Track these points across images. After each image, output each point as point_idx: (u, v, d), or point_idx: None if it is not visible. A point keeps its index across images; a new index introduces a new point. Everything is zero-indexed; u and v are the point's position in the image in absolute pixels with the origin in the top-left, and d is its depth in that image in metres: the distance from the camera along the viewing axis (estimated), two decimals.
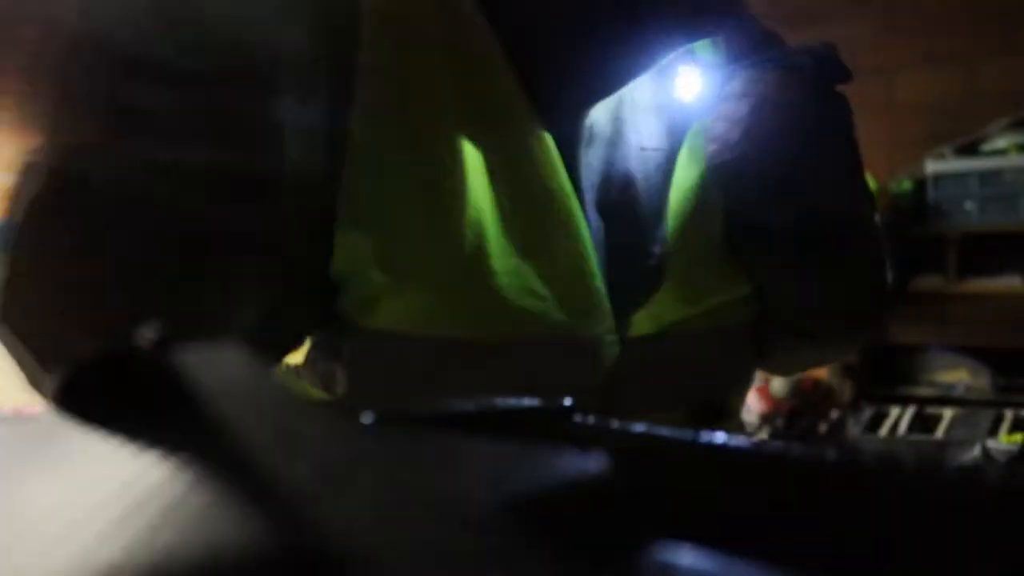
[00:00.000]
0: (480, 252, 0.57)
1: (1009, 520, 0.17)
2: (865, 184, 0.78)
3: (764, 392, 2.39)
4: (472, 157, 0.57)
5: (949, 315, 2.78)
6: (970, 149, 2.89)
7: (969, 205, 2.79)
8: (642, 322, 0.64)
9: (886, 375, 2.90)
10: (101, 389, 0.25)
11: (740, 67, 0.70)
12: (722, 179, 0.68)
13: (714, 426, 0.73)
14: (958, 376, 2.79)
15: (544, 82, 0.60)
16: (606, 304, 0.61)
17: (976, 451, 2.20)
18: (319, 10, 0.55)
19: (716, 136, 0.68)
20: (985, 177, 2.76)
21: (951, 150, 2.92)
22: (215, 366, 0.24)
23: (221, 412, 0.21)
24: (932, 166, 2.86)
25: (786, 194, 0.69)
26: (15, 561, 0.16)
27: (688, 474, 0.21)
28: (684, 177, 0.68)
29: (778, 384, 2.38)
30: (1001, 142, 2.79)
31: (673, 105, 0.69)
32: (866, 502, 0.19)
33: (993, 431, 2.26)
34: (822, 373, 2.86)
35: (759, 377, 2.47)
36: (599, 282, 0.61)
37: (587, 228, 0.60)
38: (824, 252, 0.73)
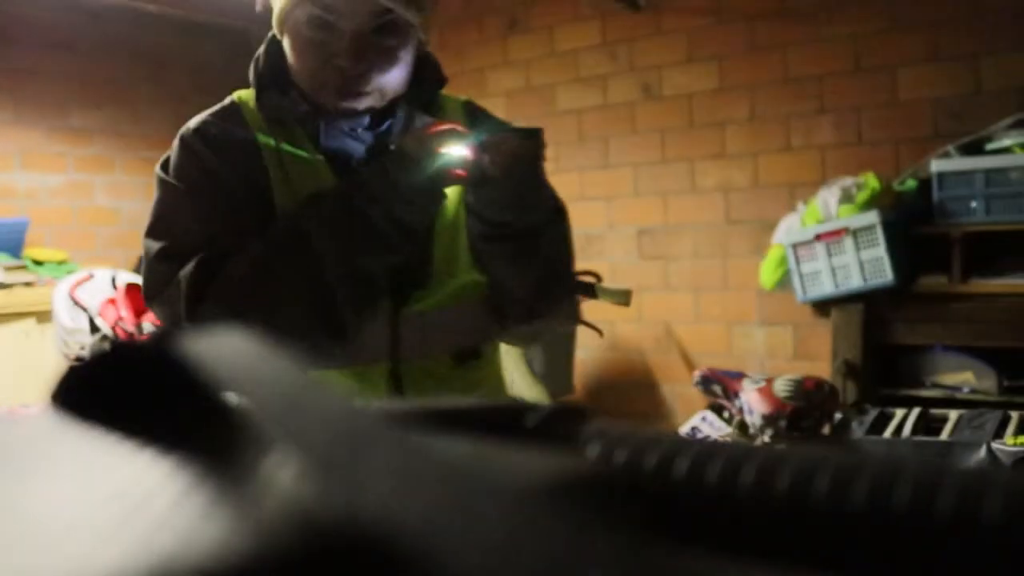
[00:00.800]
0: None
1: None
2: (548, 203, 1.22)
3: (767, 393, 2.36)
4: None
5: (954, 315, 2.76)
6: (975, 148, 2.87)
7: (974, 204, 2.77)
8: (418, 301, 1.19)
9: (890, 376, 2.87)
10: (101, 388, 0.25)
11: (478, 133, 1.08)
12: (469, 206, 1.17)
13: (468, 364, 1.23)
14: (963, 377, 2.76)
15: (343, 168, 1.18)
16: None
17: (982, 453, 2.18)
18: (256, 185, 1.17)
19: (467, 177, 1.09)
20: (991, 176, 2.74)
21: (956, 149, 2.90)
22: (225, 350, 0.24)
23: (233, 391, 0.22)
24: (937, 165, 2.84)
25: (503, 213, 1.14)
26: (15, 562, 0.16)
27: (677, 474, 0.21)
28: (450, 208, 1.21)
29: (781, 385, 2.35)
30: (1007, 140, 2.78)
31: (435, 155, 1.08)
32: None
33: (999, 433, 2.24)
34: (826, 374, 2.83)
35: (762, 378, 2.44)
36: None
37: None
38: (525, 250, 1.18)
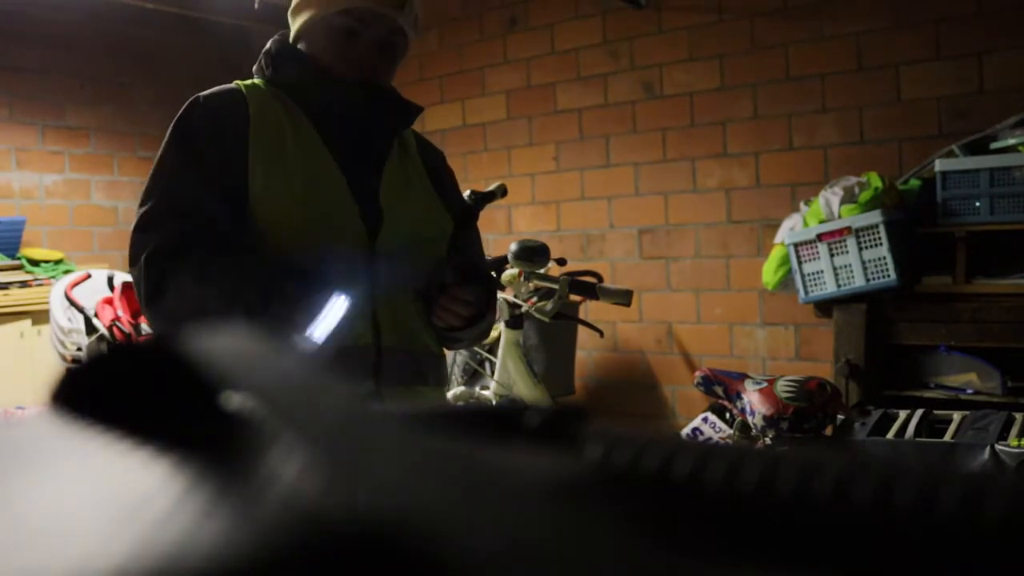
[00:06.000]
0: None
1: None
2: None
3: (769, 394, 2.34)
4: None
5: (958, 315, 2.74)
6: (980, 147, 2.86)
7: (978, 203, 2.75)
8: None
9: (893, 377, 2.85)
10: (100, 389, 0.26)
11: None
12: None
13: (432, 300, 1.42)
14: (967, 378, 2.74)
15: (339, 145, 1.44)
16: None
17: (986, 454, 2.16)
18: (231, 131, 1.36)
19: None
20: (995, 175, 2.72)
21: (960, 148, 2.88)
22: (229, 347, 0.24)
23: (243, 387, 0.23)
24: (942, 164, 2.82)
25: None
26: (15, 562, 0.16)
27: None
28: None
29: (783, 386, 2.33)
30: (1011, 139, 2.76)
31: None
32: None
33: (1003, 434, 2.23)
34: (828, 375, 2.81)
35: (764, 379, 2.42)
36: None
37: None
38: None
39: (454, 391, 2.58)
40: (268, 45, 1.48)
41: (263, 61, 1.47)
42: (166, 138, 1.36)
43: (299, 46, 1.47)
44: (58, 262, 3.88)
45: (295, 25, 1.47)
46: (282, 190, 1.34)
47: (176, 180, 1.33)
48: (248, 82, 1.45)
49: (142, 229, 1.33)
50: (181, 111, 1.37)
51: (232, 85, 1.43)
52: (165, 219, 1.31)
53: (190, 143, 1.34)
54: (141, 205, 1.35)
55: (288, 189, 1.34)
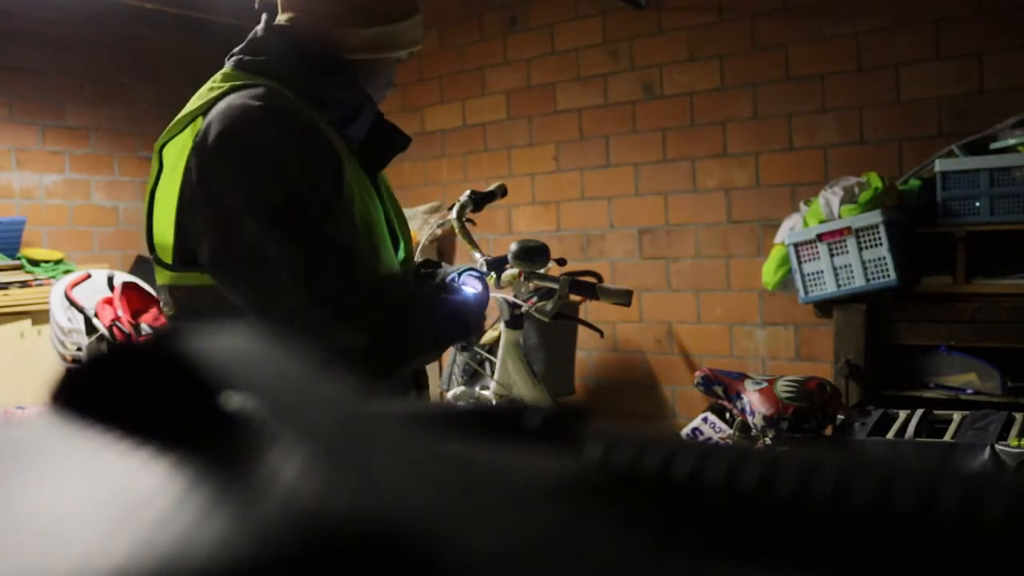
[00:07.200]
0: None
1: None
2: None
3: (769, 394, 2.34)
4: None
5: (958, 316, 2.73)
6: (979, 147, 2.86)
7: (978, 203, 2.75)
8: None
9: (893, 377, 2.85)
10: (100, 389, 0.26)
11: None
12: None
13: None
14: (967, 378, 2.74)
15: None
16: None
17: (986, 454, 2.16)
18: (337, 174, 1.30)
19: None
20: (995, 175, 2.72)
21: (960, 148, 2.88)
22: (230, 347, 0.25)
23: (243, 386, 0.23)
24: (942, 164, 2.82)
25: None
26: (15, 562, 0.16)
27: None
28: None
29: (783, 386, 2.33)
30: (1011, 140, 2.76)
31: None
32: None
33: (1003, 434, 2.22)
34: (828, 375, 2.81)
35: (764, 379, 2.42)
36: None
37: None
38: None
39: (454, 391, 2.58)
40: (300, 48, 1.34)
41: (294, 65, 1.33)
42: (281, 163, 1.24)
43: (330, 52, 1.35)
44: (58, 262, 3.88)
45: (336, 31, 1.34)
46: (353, 214, 1.30)
47: (326, 217, 1.24)
48: (281, 91, 1.30)
49: (327, 277, 1.22)
50: (278, 130, 1.24)
51: (287, 96, 1.29)
52: (340, 267, 1.24)
53: (314, 172, 1.25)
54: (302, 253, 1.20)
55: (353, 214, 1.30)
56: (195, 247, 1.24)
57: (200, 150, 1.22)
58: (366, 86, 1.39)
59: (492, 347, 2.97)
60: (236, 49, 1.37)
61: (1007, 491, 0.17)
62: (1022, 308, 2.64)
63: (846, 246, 2.85)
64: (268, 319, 1.22)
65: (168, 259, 1.29)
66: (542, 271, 2.29)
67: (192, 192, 1.23)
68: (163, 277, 1.31)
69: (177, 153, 1.27)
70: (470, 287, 1.48)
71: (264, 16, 1.40)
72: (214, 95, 1.28)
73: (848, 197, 2.87)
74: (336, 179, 1.27)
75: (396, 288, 1.35)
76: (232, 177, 1.22)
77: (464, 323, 1.40)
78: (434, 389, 2.96)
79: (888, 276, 2.78)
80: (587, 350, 3.92)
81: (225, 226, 1.21)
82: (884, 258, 2.78)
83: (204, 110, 1.27)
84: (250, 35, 1.38)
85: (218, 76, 1.34)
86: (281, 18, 1.39)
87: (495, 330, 2.74)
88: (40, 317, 3.48)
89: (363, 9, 1.35)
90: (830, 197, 2.92)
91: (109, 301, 3.04)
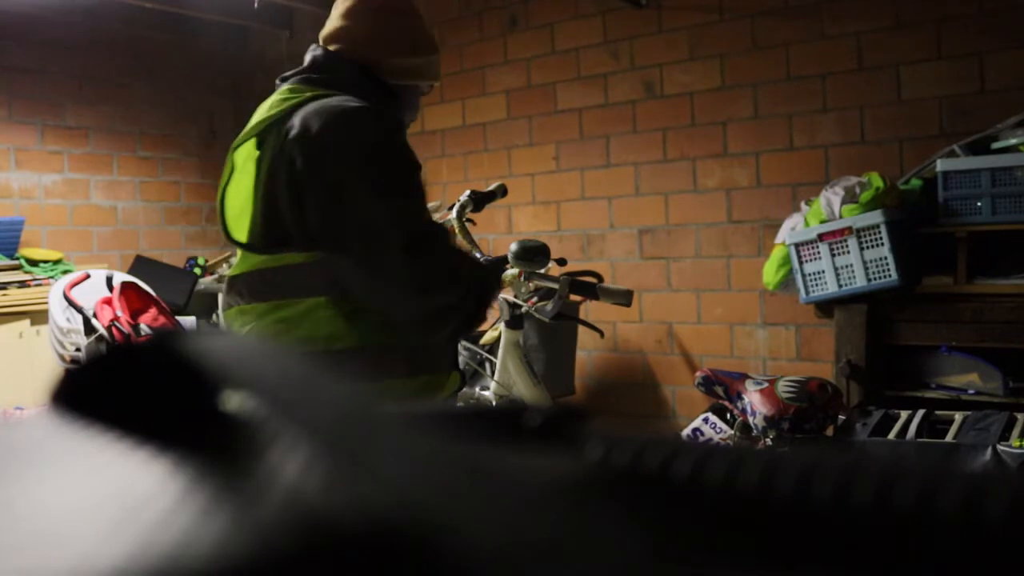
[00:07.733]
0: None
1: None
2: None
3: (770, 394, 2.34)
4: None
5: (959, 316, 2.73)
6: (981, 146, 2.85)
7: (980, 203, 2.75)
8: None
9: (895, 377, 2.85)
10: (100, 389, 0.26)
11: None
12: None
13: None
14: (968, 378, 2.74)
15: None
16: None
17: (987, 455, 2.16)
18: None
19: None
20: (996, 175, 2.72)
21: (962, 147, 2.87)
22: (230, 347, 0.25)
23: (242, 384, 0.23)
24: (943, 164, 2.82)
25: None
26: (16, 562, 0.16)
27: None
28: None
29: (784, 386, 2.33)
30: (1012, 139, 2.75)
31: None
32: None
33: (1005, 435, 2.22)
34: (829, 375, 2.81)
35: (764, 379, 2.42)
36: None
37: None
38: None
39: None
40: (360, 69, 1.58)
41: (362, 82, 1.56)
42: (385, 149, 1.47)
43: (380, 76, 1.60)
44: (57, 262, 3.88)
45: (382, 59, 1.59)
46: None
47: (421, 195, 1.51)
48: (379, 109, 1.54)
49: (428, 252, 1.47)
50: (379, 123, 1.48)
51: (393, 113, 1.57)
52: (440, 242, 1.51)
53: (410, 158, 1.50)
54: (408, 221, 1.46)
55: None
56: (291, 228, 1.42)
57: (301, 143, 1.41)
58: (403, 111, 1.64)
59: (492, 347, 2.97)
60: (296, 69, 1.59)
61: (1008, 491, 0.17)
62: (1023, 308, 2.64)
63: (847, 246, 2.84)
64: (375, 281, 1.42)
65: (258, 243, 1.46)
66: (542, 271, 2.29)
67: (293, 178, 1.41)
68: (247, 263, 1.49)
69: (245, 156, 1.48)
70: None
71: (314, 45, 1.62)
72: (289, 104, 1.46)
73: (849, 197, 2.87)
74: (418, 168, 1.50)
75: (467, 255, 1.65)
76: (346, 160, 1.42)
77: (498, 283, 1.74)
78: None
79: (889, 276, 2.78)
80: (587, 350, 3.92)
81: (339, 201, 1.41)
82: (885, 258, 2.78)
83: (279, 117, 1.45)
84: (309, 59, 1.59)
85: (284, 89, 1.53)
86: (330, 47, 1.60)
87: (495, 330, 2.74)
88: (39, 317, 3.48)
89: (400, 42, 1.60)
90: (831, 197, 2.92)
91: (108, 301, 3.03)
